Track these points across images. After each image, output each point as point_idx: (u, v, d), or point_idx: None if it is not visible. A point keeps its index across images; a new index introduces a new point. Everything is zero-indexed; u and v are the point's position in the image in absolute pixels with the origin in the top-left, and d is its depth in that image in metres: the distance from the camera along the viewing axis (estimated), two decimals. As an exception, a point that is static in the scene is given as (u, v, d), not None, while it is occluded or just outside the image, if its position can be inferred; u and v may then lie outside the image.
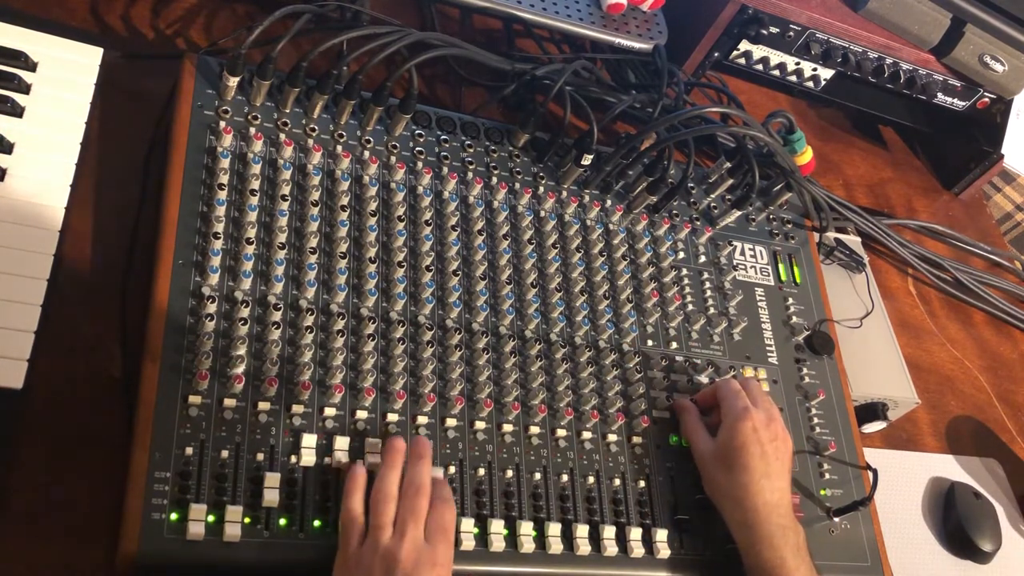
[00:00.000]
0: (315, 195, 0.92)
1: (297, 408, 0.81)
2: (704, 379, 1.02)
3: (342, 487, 0.79)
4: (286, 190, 0.91)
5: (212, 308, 0.82)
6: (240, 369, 0.80)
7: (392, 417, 0.85)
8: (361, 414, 0.84)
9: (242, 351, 0.81)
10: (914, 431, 1.22)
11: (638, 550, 0.89)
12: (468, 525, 0.83)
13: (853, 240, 1.29)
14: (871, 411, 1.14)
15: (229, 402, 0.79)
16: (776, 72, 1.37)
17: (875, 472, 1.03)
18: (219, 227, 0.86)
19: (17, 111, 0.86)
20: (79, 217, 0.87)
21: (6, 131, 0.84)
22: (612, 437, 0.94)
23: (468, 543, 0.82)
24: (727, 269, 1.12)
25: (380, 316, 0.89)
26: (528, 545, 0.85)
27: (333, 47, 0.95)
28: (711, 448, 0.93)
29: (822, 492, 1.02)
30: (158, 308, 0.80)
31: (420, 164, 1.00)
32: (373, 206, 0.94)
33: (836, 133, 1.57)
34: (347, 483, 0.79)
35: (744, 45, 1.32)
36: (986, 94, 1.44)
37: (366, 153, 0.97)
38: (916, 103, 1.47)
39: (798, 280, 1.16)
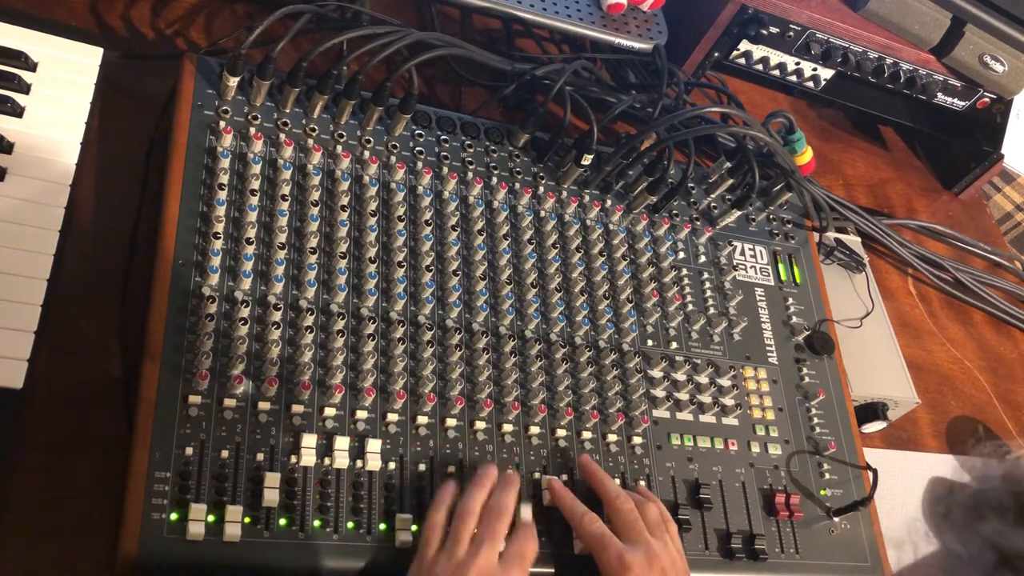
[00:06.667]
0: (315, 195, 0.92)
1: (297, 408, 0.81)
2: (704, 378, 1.02)
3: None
4: (286, 190, 0.91)
5: (212, 308, 0.82)
6: (240, 369, 0.80)
7: (392, 417, 0.85)
8: (361, 414, 0.84)
9: (242, 351, 0.81)
10: (914, 431, 1.22)
11: (638, 550, 0.89)
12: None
13: (853, 240, 1.29)
14: (871, 411, 1.14)
15: (229, 402, 0.79)
16: (776, 72, 1.37)
17: (875, 472, 1.03)
18: (219, 227, 0.86)
19: (17, 111, 0.86)
20: (79, 217, 0.87)
21: (6, 131, 0.84)
22: (612, 437, 0.94)
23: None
24: (727, 269, 1.12)
25: (380, 316, 0.89)
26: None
27: (333, 47, 0.95)
28: None
29: (822, 492, 1.02)
30: (158, 308, 0.80)
31: (420, 164, 1.00)
32: (373, 206, 0.94)
33: (836, 133, 1.56)
34: (436, 496, 0.82)
35: (744, 45, 1.32)
36: (986, 94, 1.44)
37: (366, 153, 0.97)
38: (916, 103, 1.47)
39: (798, 280, 1.16)
